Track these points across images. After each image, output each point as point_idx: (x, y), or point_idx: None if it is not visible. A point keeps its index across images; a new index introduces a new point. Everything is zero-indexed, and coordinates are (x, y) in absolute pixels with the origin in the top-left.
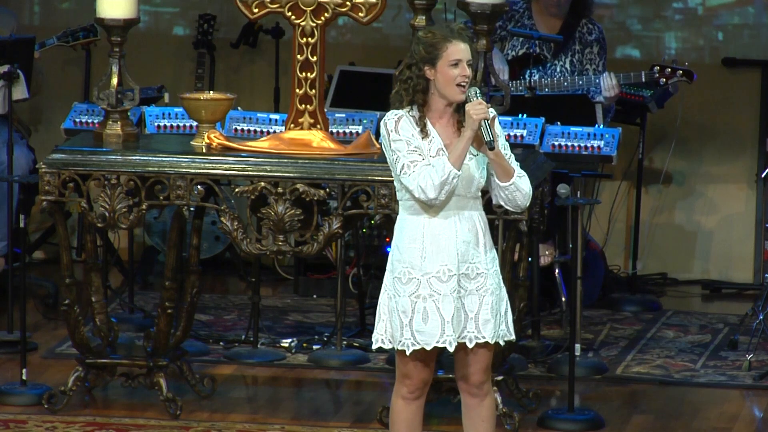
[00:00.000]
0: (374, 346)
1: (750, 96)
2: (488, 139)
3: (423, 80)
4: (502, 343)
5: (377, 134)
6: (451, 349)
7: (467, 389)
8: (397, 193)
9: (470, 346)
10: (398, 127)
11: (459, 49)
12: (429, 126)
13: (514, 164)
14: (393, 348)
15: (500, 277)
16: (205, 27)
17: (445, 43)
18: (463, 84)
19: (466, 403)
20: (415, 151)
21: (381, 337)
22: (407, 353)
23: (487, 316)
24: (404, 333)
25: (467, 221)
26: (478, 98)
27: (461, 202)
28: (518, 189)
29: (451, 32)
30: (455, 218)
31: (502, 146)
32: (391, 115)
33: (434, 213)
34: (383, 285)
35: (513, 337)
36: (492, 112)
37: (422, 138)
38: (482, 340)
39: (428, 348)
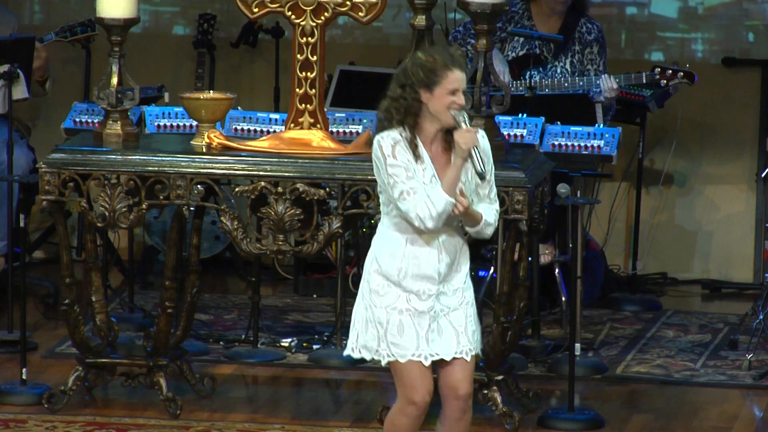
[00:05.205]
0: (345, 353)
1: (750, 96)
2: (479, 170)
3: (417, 103)
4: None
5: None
6: (427, 364)
7: (454, 403)
8: (381, 205)
9: (467, 359)
10: (395, 152)
11: (457, 78)
12: (422, 150)
13: (485, 208)
14: (362, 358)
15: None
16: (205, 26)
17: (446, 71)
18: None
19: (446, 416)
20: (413, 178)
21: (353, 345)
22: (383, 363)
23: (473, 326)
24: (380, 344)
25: (451, 243)
26: (467, 125)
27: (446, 225)
28: (479, 234)
29: (452, 60)
30: (439, 241)
31: (487, 182)
32: (387, 139)
33: (419, 234)
34: (359, 293)
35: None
36: (481, 137)
37: (416, 163)
38: (473, 352)
39: (402, 361)
